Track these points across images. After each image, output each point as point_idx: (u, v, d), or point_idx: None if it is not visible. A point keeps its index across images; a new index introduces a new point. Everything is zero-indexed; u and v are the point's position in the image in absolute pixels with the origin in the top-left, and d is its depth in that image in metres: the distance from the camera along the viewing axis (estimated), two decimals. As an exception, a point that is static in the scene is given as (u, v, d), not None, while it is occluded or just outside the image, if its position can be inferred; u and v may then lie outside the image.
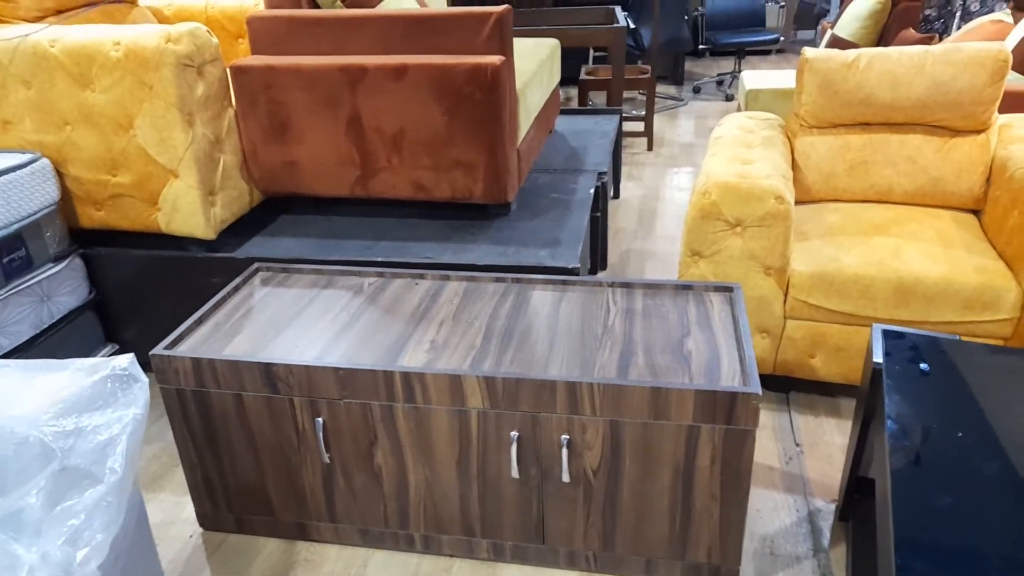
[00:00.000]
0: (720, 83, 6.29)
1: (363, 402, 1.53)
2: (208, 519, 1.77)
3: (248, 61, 2.18)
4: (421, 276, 1.90)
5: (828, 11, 7.67)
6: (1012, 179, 2.04)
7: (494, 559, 1.66)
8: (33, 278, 2.05)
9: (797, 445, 1.98)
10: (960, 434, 1.23)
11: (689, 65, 6.95)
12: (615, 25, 3.87)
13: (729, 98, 5.77)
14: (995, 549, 1.01)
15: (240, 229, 2.37)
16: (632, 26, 5.21)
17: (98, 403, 1.24)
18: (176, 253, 2.21)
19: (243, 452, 1.65)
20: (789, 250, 1.98)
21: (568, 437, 1.47)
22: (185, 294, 2.26)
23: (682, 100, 5.77)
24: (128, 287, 2.28)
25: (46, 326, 2.09)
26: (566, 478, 1.50)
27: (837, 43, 4.13)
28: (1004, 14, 3.64)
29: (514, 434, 1.49)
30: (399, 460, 1.58)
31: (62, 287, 2.14)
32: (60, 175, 2.14)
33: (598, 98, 5.58)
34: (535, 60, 2.72)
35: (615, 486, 1.51)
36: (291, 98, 2.19)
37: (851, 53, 2.30)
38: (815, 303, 2.00)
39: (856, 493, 1.65)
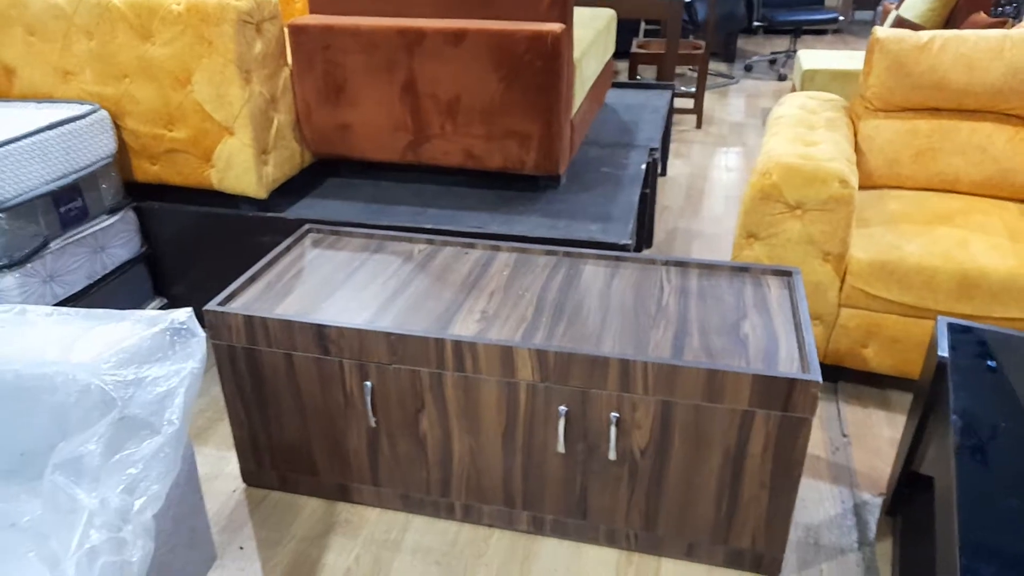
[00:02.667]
0: (773, 62, 6.12)
1: (413, 368, 1.53)
2: (252, 475, 1.79)
3: (307, 20, 2.17)
4: (471, 245, 1.88)
5: (889, -9, 7.39)
6: (1091, 173, 1.95)
7: (533, 532, 1.66)
8: (88, 229, 2.08)
9: (844, 436, 1.95)
10: (1031, 435, 1.19)
11: (742, 42, 6.77)
12: (672, -3, 3.77)
13: (782, 78, 5.62)
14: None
15: (290, 190, 2.37)
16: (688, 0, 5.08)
17: (157, 355, 1.25)
18: (227, 211, 2.22)
19: (290, 411, 1.66)
20: (850, 236, 1.92)
21: (618, 415, 1.45)
22: (234, 252, 2.27)
23: (733, 78, 5.63)
24: (178, 242, 2.30)
25: (99, 277, 2.13)
26: (612, 456, 1.48)
27: (903, 24, 3.97)
28: (1084, 0, 3.47)
29: (563, 409, 1.47)
30: (444, 428, 1.58)
31: (116, 239, 2.17)
32: (117, 128, 2.16)
33: (647, 72, 5.47)
34: (592, 30, 2.66)
35: (662, 467, 1.49)
36: (348, 60, 2.17)
37: (925, 34, 2.20)
38: (873, 292, 1.94)
39: (907, 489, 1.62)
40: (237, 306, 1.63)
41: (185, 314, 1.32)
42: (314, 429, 1.67)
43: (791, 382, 1.33)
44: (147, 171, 2.22)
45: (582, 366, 1.42)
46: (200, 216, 2.25)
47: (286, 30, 2.21)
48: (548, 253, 1.83)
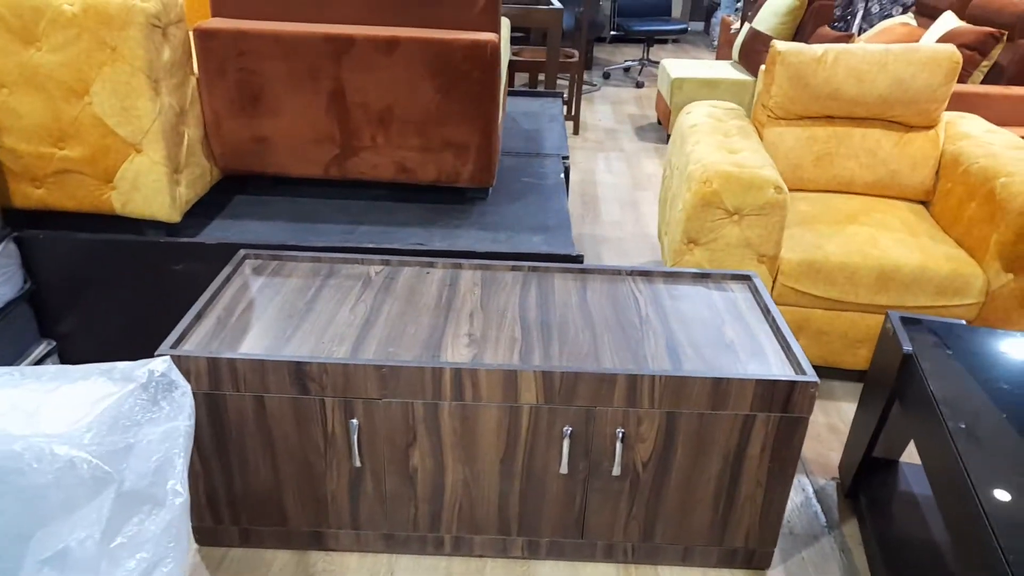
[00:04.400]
0: (627, 70, 6.42)
1: (405, 401, 1.43)
2: (207, 535, 1.60)
3: (216, 24, 1.97)
4: (431, 264, 1.80)
5: (719, 4, 8.01)
6: (967, 173, 2.22)
7: (528, 557, 1.61)
8: (-36, 266, 1.76)
9: (787, 425, 2.07)
10: (1005, 415, 1.32)
11: (596, 51, 7.04)
12: (554, 7, 3.84)
13: (639, 85, 5.91)
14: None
15: (200, 211, 2.15)
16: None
17: (143, 415, 1.08)
18: (131, 237, 1.97)
19: (258, 459, 1.50)
20: (782, 238, 2.05)
21: (623, 430, 1.45)
22: (140, 284, 2.02)
23: (595, 85, 5.84)
24: (70, 276, 2.01)
25: (-19, 322, 1.81)
26: (617, 471, 1.48)
27: (757, 37, 4.31)
28: (908, 17, 3.94)
29: (567, 429, 1.44)
30: (437, 460, 1.50)
31: (-4, 276, 1.85)
32: (-8, 146, 1.84)
33: (520, 80, 5.54)
34: (503, 40, 2.65)
35: (663, 478, 1.50)
36: (266, 68, 2.00)
37: (819, 48, 2.40)
38: (802, 289, 2.09)
39: (866, 472, 1.75)
40: (192, 348, 1.45)
41: (164, 363, 1.15)
42: (286, 475, 1.52)
43: (792, 384, 1.39)
44: (30, 196, 1.92)
45: (589, 384, 1.40)
46: (96, 245, 1.97)
47: (191, 35, 1.99)
48: (513, 269, 1.79)
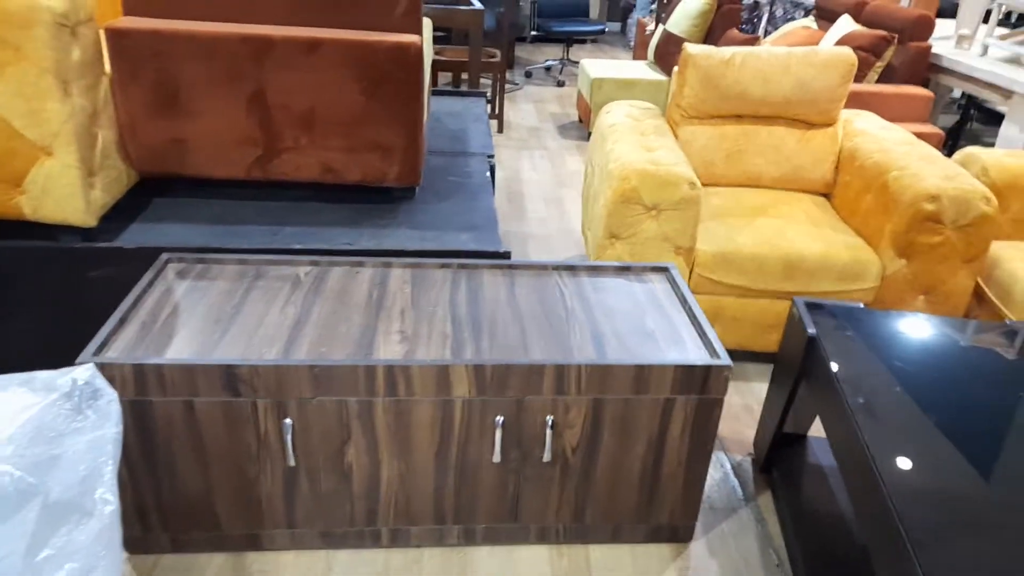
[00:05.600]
0: (548, 69, 6.53)
1: (339, 399, 1.45)
2: (137, 543, 1.57)
3: (128, 24, 1.92)
4: (360, 263, 1.81)
5: (635, 5, 8.23)
6: (863, 167, 2.38)
7: (464, 544, 1.66)
8: None
9: (707, 409, 2.18)
10: (897, 388, 1.44)
11: (517, 51, 7.12)
12: (475, 8, 3.88)
13: (560, 84, 6.02)
14: (970, 484, 1.22)
15: (116, 215, 2.09)
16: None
17: (67, 425, 1.07)
18: (44, 243, 1.90)
19: (188, 465, 1.49)
20: (697, 232, 2.15)
21: (552, 418, 1.51)
22: (56, 291, 1.95)
23: (517, 84, 5.92)
24: (-23, 285, 1.93)
25: None
26: (547, 458, 1.54)
27: (670, 39, 4.47)
28: (809, 21, 4.17)
29: (499, 419, 1.49)
30: (372, 456, 1.52)
31: None
32: None
33: (442, 79, 5.55)
34: (425, 41, 2.67)
35: (591, 461, 1.57)
36: (182, 69, 1.97)
37: (728, 51, 2.52)
38: (716, 278, 2.20)
39: (777, 447, 1.87)
40: (116, 355, 1.42)
41: (88, 371, 1.14)
42: (217, 479, 1.52)
43: (707, 368, 1.48)
44: (-70, 202, 1.83)
45: (519, 375, 1.46)
46: (7, 252, 1.90)
47: (103, 34, 1.94)
48: (442, 266, 1.83)
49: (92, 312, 1.98)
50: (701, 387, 1.50)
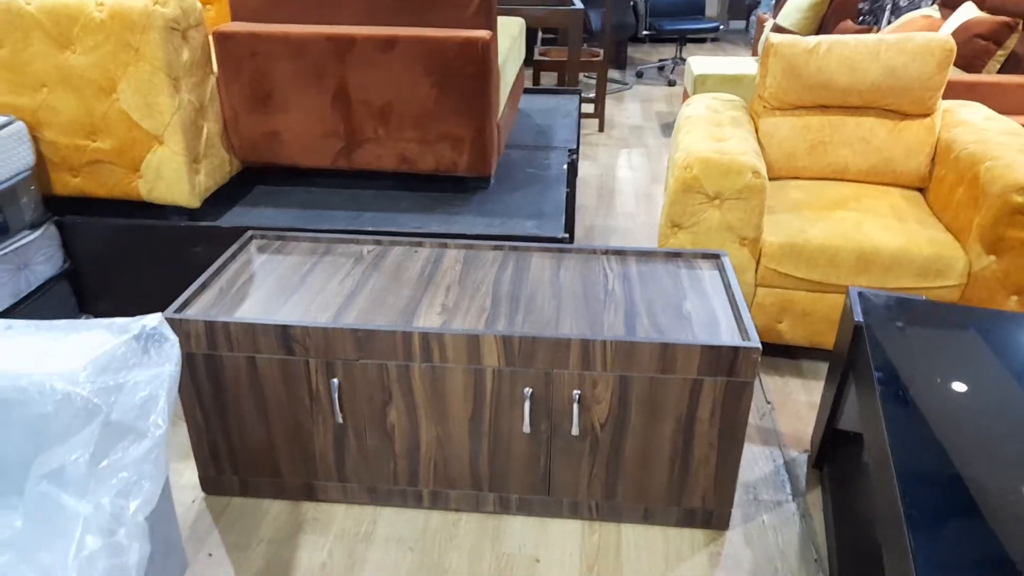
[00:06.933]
0: (661, 68, 6.47)
1: (380, 362, 1.57)
2: (211, 484, 1.77)
3: (233, 27, 2.16)
4: (419, 244, 1.94)
5: (759, 2, 7.97)
6: (958, 159, 2.24)
7: (500, 511, 1.74)
8: (9, 246, 1.98)
9: (768, 403, 2.14)
10: (937, 379, 1.38)
11: (631, 51, 7.11)
12: (574, 7, 3.95)
13: (672, 83, 5.96)
14: (979, 473, 1.16)
15: (220, 199, 2.34)
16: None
17: (132, 361, 1.25)
18: (157, 222, 2.18)
19: (253, 415, 1.67)
20: (762, 222, 2.12)
21: (579, 392, 1.56)
22: (165, 264, 2.22)
23: (627, 84, 5.92)
24: (104, 256, 2.23)
25: (24, 295, 2.03)
26: (575, 432, 1.59)
27: (781, 31, 4.33)
28: (932, 9, 3.92)
29: (528, 391, 1.56)
30: (412, 419, 1.63)
31: (38, 255, 2.08)
32: (35, 140, 2.07)
33: (548, 79, 5.66)
34: (508, 37, 2.78)
35: (620, 438, 1.61)
36: (276, 67, 2.18)
37: (812, 39, 2.45)
38: (785, 271, 2.15)
39: (831, 444, 1.81)
40: (193, 313, 1.62)
41: (156, 319, 1.32)
42: (278, 430, 1.68)
43: (735, 350, 1.48)
44: (68, 184, 2.14)
45: (545, 349, 1.52)
46: (127, 229, 2.19)
47: (211, 38, 2.19)
48: (495, 248, 1.92)
49: (195, 280, 2.24)
50: (729, 369, 1.50)
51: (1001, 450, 1.20)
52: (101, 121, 2.04)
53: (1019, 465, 1.17)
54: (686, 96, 4.75)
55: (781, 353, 2.37)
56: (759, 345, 1.48)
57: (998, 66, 3.12)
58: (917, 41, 2.36)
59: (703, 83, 4.35)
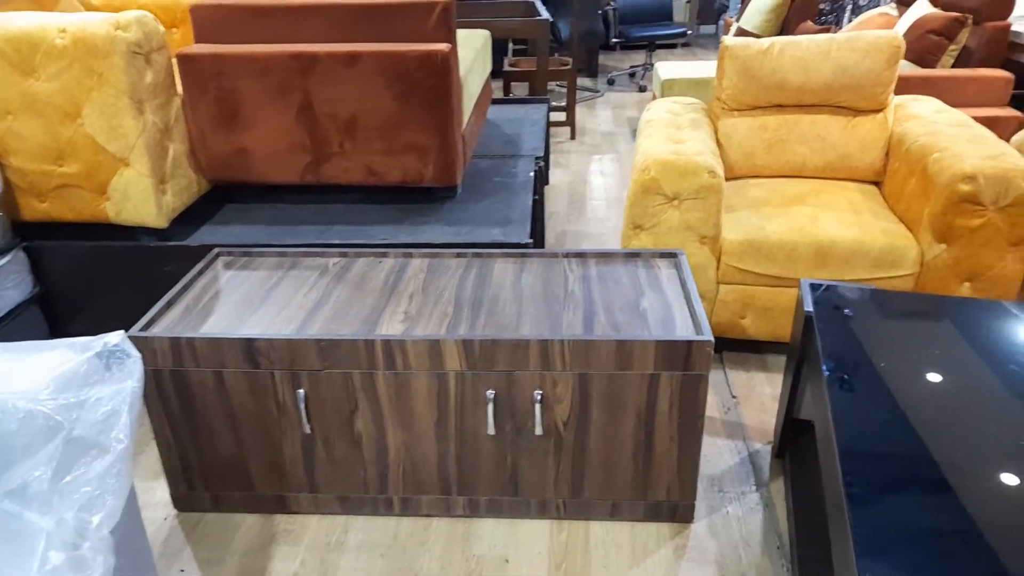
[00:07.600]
0: (632, 75, 6.55)
1: (344, 371, 1.60)
2: (183, 501, 1.79)
3: (196, 49, 2.19)
4: (384, 255, 1.97)
5: (728, 6, 8.09)
6: (909, 152, 2.30)
7: (469, 515, 1.76)
8: (-22, 272, 2.00)
9: (733, 397, 2.18)
10: (882, 363, 1.43)
11: (602, 59, 7.19)
12: (540, 18, 4.01)
13: (643, 89, 6.03)
14: (918, 451, 1.20)
15: (189, 218, 2.37)
16: (551, 19, 5.36)
17: (94, 378, 1.27)
18: (126, 243, 2.20)
19: (222, 429, 1.69)
20: (720, 220, 2.17)
21: (541, 392, 1.59)
22: (135, 284, 2.24)
23: (598, 92, 5.99)
24: (74, 280, 2.25)
25: (-6, 320, 2.05)
26: (539, 431, 1.62)
27: (743, 35, 4.41)
28: (889, 7, 4.01)
29: (490, 393, 1.60)
30: (379, 426, 1.66)
31: (7, 281, 2.09)
32: (2, 167, 2.09)
33: (519, 89, 5.72)
34: (471, 50, 2.83)
35: (583, 436, 1.64)
36: (241, 85, 2.21)
37: (766, 41, 2.51)
38: (745, 268, 2.20)
39: (790, 433, 1.85)
40: (159, 330, 1.65)
41: (118, 336, 1.34)
42: (248, 444, 1.71)
43: (689, 344, 1.52)
44: (36, 209, 2.16)
45: (505, 351, 1.56)
46: (96, 251, 2.21)
47: (175, 60, 2.22)
48: (459, 255, 1.96)
49: (166, 303, 2.26)
50: (684, 363, 1.54)
51: (941, 428, 1.25)
52: (67, 146, 2.06)
53: (958, 442, 1.22)
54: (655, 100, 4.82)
55: (746, 348, 2.41)
56: (711, 338, 1.52)
57: (952, 60, 3.20)
58: (866, 39, 2.43)
59: (671, 87, 4.42)
